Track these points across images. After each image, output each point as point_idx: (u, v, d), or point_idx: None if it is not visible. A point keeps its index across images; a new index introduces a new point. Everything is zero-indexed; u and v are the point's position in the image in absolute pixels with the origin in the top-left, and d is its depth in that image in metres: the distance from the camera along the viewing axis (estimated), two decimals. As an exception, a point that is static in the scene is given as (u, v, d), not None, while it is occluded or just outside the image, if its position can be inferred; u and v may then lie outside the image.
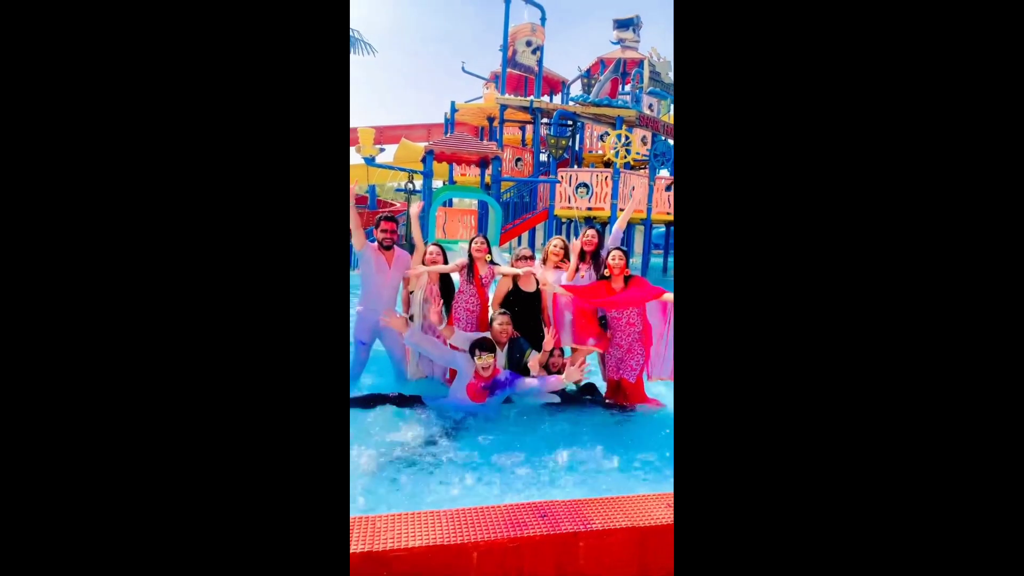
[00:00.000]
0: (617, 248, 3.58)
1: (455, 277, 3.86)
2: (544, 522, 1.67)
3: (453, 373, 3.56)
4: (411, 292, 3.82)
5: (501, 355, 3.44)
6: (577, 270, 3.70)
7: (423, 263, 3.72)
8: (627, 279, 3.56)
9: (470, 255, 3.80)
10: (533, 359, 3.42)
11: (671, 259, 15.02)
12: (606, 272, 3.56)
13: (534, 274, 3.66)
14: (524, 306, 3.65)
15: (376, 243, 3.73)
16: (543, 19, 15.90)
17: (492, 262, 3.89)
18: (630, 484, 2.56)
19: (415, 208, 3.88)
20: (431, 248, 3.78)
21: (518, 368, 3.47)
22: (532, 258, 3.83)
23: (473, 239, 3.90)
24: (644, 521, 1.72)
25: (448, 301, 3.79)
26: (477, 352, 3.24)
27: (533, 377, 3.35)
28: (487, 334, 3.45)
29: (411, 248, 3.85)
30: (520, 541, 1.60)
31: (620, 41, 17.12)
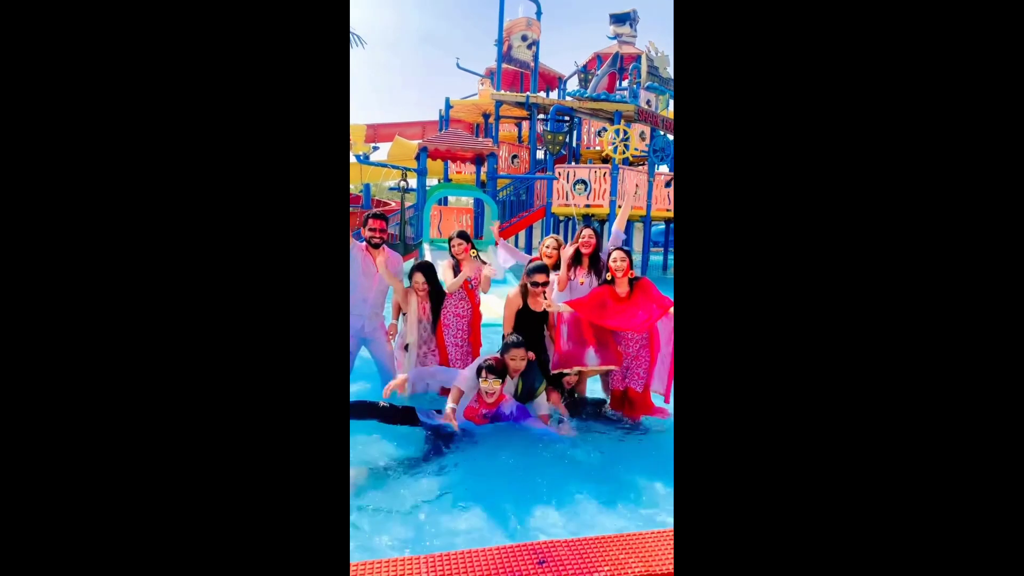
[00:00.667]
0: (619, 248, 3.31)
1: (445, 284, 3.60)
2: (543, 569, 1.47)
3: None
4: (402, 314, 3.60)
5: (511, 383, 3.10)
6: (571, 278, 3.39)
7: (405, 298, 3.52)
8: (632, 282, 3.30)
9: (453, 258, 3.55)
10: (544, 399, 3.09)
11: (671, 256, 14.84)
12: (608, 276, 3.29)
13: (544, 294, 3.27)
14: (535, 325, 3.31)
15: (364, 243, 3.49)
16: (539, 14, 15.77)
17: (478, 258, 3.61)
18: (643, 517, 2.29)
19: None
20: (417, 278, 3.52)
21: (530, 393, 3.12)
22: (548, 283, 3.29)
23: (451, 239, 3.62)
24: (660, 566, 1.50)
25: (437, 311, 3.57)
26: (484, 374, 2.90)
27: (540, 420, 3.01)
28: (493, 355, 3.07)
29: (404, 250, 3.60)
30: (516, 594, 1.39)
31: (617, 36, 16.98)
